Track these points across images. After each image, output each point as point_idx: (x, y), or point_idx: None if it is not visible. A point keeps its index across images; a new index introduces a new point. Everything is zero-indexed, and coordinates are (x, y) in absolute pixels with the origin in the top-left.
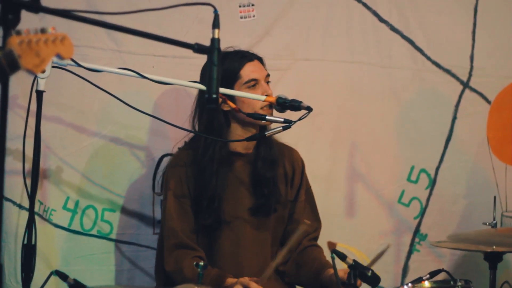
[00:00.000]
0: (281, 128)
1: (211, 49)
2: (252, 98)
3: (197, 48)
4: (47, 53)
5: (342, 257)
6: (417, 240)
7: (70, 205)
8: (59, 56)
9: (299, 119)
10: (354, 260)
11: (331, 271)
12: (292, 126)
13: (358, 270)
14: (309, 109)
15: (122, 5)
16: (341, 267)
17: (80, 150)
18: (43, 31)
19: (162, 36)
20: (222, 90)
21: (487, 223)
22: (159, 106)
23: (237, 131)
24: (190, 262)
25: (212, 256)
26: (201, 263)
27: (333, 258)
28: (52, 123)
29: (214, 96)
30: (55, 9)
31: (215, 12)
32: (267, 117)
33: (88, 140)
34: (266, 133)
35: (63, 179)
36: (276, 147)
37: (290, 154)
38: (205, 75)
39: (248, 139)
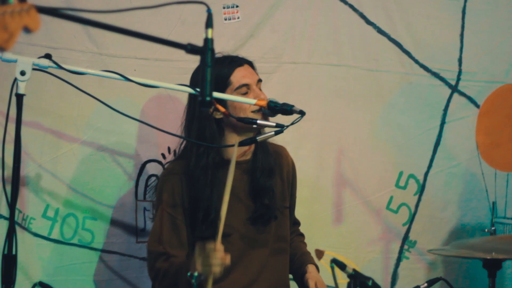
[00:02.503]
0: (273, 132)
1: (204, 50)
2: (241, 102)
3: (190, 49)
4: (14, 26)
5: (342, 266)
6: (406, 247)
7: (50, 213)
8: (27, 29)
9: (292, 123)
10: (354, 270)
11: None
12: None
13: (358, 280)
14: (302, 113)
15: (102, 5)
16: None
17: (59, 156)
18: (4, 1)
19: (156, 36)
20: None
21: (486, 230)
22: (142, 110)
23: (231, 139)
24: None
25: None
26: (195, 274)
27: (332, 268)
28: (31, 128)
29: (208, 98)
30: (42, 6)
31: (208, 11)
32: (258, 121)
33: (67, 146)
34: (257, 138)
35: (42, 186)
36: (271, 148)
37: (284, 155)
38: (197, 79)
39: (239, 145)
